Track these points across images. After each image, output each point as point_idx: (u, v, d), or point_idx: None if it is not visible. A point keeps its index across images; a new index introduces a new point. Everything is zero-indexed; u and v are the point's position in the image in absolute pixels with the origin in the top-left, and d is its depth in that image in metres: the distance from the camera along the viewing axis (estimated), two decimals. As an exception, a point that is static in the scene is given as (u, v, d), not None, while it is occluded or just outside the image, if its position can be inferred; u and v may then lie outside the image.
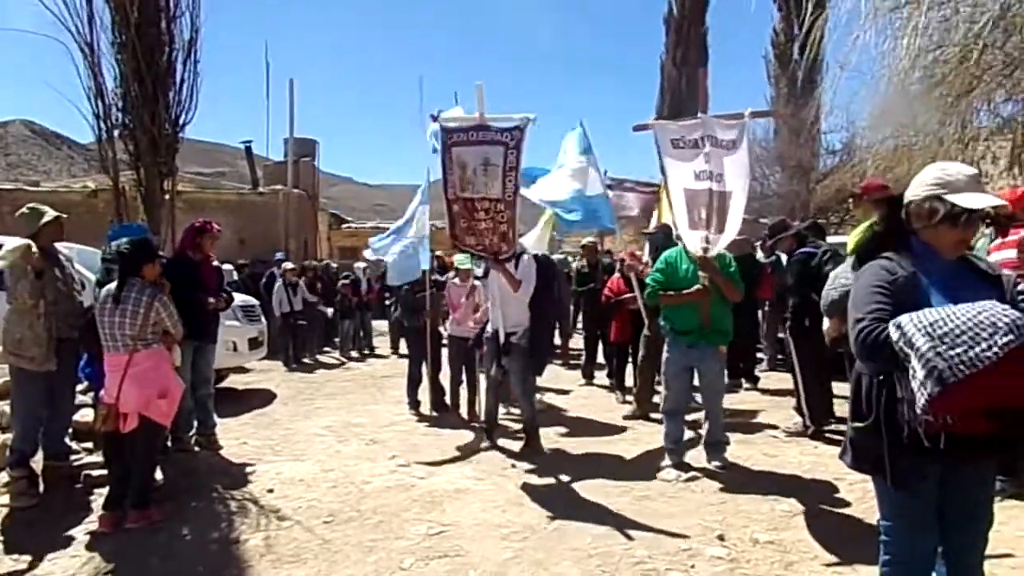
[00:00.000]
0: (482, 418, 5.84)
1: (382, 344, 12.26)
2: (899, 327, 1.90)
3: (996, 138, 6.69)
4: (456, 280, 6.77)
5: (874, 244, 2.20)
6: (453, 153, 4.98)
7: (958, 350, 1.77)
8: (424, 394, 7.03)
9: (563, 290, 5.96)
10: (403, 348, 11.12)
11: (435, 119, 5.06)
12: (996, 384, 1.79)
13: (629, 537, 3.64)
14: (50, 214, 4.40)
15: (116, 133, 6.52)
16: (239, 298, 7.77)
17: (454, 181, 5.03)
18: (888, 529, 2.23)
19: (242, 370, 9.12)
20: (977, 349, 1.75)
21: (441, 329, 7.19)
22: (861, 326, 2.02)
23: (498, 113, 4.98)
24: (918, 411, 1.87)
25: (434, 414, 6.86)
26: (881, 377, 2.07)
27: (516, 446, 5.47)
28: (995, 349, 1.74)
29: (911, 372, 1.87)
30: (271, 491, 4.51)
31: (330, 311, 11.74)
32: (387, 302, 10.39)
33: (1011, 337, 1.74)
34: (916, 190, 2.15)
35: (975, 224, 2.09)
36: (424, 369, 7.04)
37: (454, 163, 4.99)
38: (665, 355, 4.98)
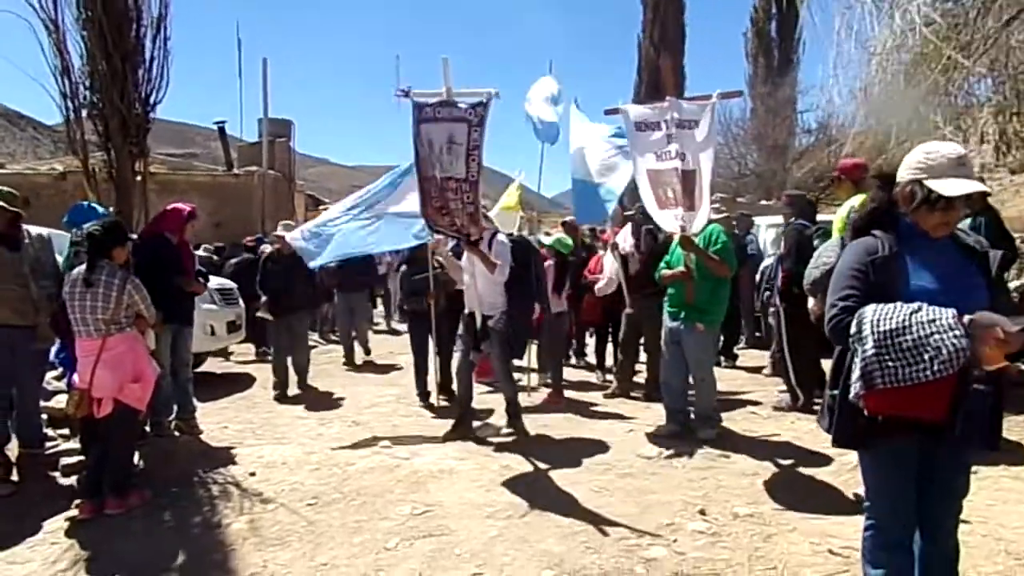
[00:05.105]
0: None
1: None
2: (859, 324, 2.01)
3: (974, 115, 6.76)
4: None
5: (866, 221, 2.25)
6: (422, 130, 4.77)
7: (898, 363, 1.91)
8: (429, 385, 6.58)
9: (540, 272, 5.84)
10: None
11: (406, 95, 4.80)
12: (916, 399, 1.97)
13: (612, 514, 3.68)
14: None
15: (84, 113, 6.34)
16: (216, 281, 7.66)
17: (423, 159, 4.82)
18: (871, 495, 2.30)
19: (221, 354, 9.01)
20: (913, 368, 1.90)
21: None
22: (832, 313, 2.14)
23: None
24: (850, 398, 2.06)
25: (444, 403, 6.31)
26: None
27: (497, 427, 5.46)
28: (928, 373, 1.88)
29: (854, 365, 2.03)
30: (253, 474, 4.48)
31: None
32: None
33: (946, 366, 1.87)
34: (902, 172, 2.19)
35: (957, 208, 2.12)
36: (432, 356, 6.45)
37: (423, 141, 4.78)
38: (663, 329, 5.20)
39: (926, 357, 1.88)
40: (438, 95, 4.75)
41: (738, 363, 7.96)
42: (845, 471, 4.15)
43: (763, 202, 16.86)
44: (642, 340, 6.49)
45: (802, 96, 21.87)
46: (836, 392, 2.22)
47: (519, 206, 7.35)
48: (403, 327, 11.76)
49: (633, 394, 6.45)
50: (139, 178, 6.61)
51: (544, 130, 6.14)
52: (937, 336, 1.88)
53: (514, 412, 5.36)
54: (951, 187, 2.07)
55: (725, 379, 7.03)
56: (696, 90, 5.46)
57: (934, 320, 1.90)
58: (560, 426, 5.59)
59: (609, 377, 7.07)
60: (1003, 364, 1.91)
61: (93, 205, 5.27)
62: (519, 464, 4.58)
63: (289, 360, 7.13)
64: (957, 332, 1.87)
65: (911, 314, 1.93)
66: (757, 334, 8.82)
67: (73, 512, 3.82)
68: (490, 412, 5.85)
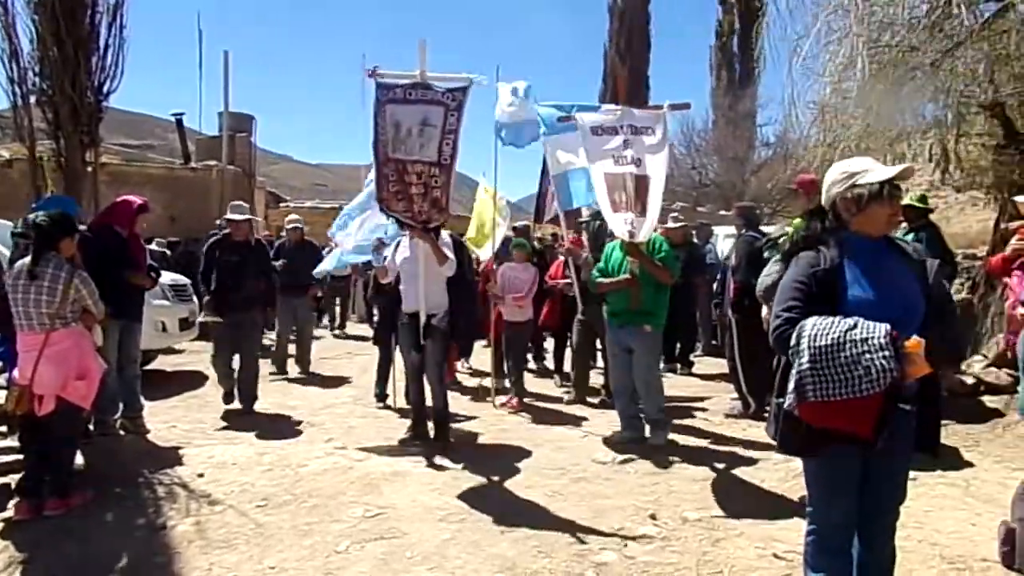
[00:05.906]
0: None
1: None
2: (798, 337, 2.09)
3: (918, 137, 7.04)
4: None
5: (799, 247, 2.33)
6: (387, 111, 4.65)
7: (830, 379, 2.00)
8: (390, 386, 6.40)
9: (471, 273, 5.80)
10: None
11: (371, 75, 4.68)
12: (844, 413, 2.05)
13: (565, 518, 3.71)
14: None
15: (33, 99, 6.14)
16: (169, 276, 7.46)
17: (385, 141, 4.68)
18: (812, 500, 2.37)
19: (172, 351, 8.77)
20: (842, 385, 1.99)
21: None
22: (775, 324, 2.22)
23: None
24: (786, 407, 2.14)
25: (406, 405, 5.82)
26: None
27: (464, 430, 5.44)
28: (855, 390, 1.97)
29: (790, 376, 2.12)
30: (201, 475, 4.37)
31: None
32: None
33: (873, 385, 1.96)
34: (833, 190, 2.29)
35: (898, 196, 2.25)
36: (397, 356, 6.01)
37: (387, 122, 4.66)
38: (608, 337, 5.24)
39: (855, 376, 1.97)
40: (411, 77, 4.67)
41: (693, 370, 8.09)
42: (791, 477, 4.26)
43: (722, 212, 17.24)
44: (599, 345, 6.55)
45: (762, 110, 22.50)
46: (781, 400, 2.29)
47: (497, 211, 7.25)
48: (360, 329, 11.67)
49: (589, 399, 6.51)
50: (90, 168, 6.43)
51: (517, 130, 6.12)
52: (868, 356, 1.96)
53: (443, 422, 5.13)
54: (885, 172, 2.20)
55: (679, 386, 7.15)
56: (661, 101, 5.54)
57: (867, 339, 1.98)
58: (516, 431, 5.60)
59: (568, 382, 7.11)
60: (927, 371, 2.01)
61: (64, 199, 5.12)
62: (473, 468, 4.57)
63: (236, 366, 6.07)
64: (887, 353, 1.95)
65: (846, 331, 2.01)
66: (713, 342, 8.99)
67: (9, 513, 3.68)
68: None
